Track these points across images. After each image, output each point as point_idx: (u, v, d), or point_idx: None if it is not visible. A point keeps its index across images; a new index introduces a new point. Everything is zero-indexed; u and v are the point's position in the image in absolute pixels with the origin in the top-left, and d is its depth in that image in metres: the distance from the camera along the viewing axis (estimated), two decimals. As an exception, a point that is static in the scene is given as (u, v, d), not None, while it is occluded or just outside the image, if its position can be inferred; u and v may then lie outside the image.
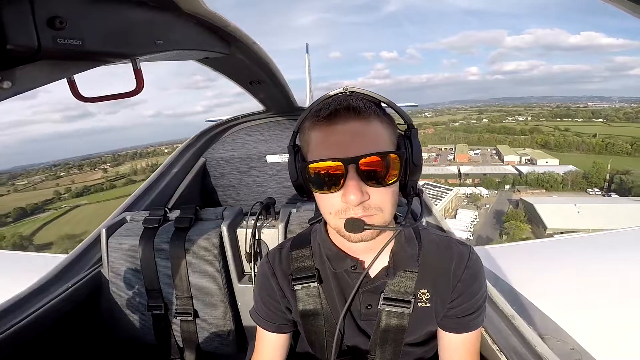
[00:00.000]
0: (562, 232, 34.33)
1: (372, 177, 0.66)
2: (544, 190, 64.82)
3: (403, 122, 0.75)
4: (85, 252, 1.48)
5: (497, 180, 67.69)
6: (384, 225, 0.70)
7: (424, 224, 1.33)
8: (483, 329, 0.89)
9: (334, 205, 0.69)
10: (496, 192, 64.00)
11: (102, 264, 1.45)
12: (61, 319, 1.24)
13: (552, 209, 41.82)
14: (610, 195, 59.60)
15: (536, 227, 42.35)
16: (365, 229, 0.67)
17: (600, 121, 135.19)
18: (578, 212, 39.64)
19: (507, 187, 66.27)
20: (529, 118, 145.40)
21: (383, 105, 0.74)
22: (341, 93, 0.72)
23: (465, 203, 57.32)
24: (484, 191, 62.95)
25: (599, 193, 63.43)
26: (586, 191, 65.45)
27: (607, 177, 68.20)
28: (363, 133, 0.66)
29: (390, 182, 0.67)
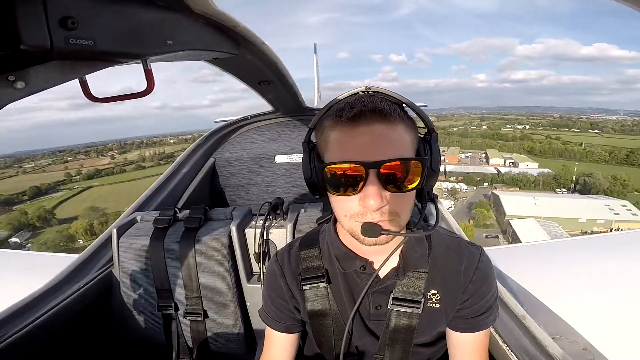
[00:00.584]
0: (519, 218, 44.41)
1: (392, 182, 0.64)
2: (518, 189, 73.13)
3: (423, 126, 0.73)
4: (96, 253, 1.49)
5: (477, 178, 76.00)
6: (401, 231, 0.69)
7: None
8: (493, 329, 0.90)
9: (351, 209, 0.68)
10: (475, 188, 72.02)
11: (112, 264, 1.45)
12: (73, 319, 1.25)
13: (514, 200, 51.66)
14: (574, 194, 68.82)
15: (499, 214, 51.84)
16: (382, 234, 0.66)
17: (596, 132, 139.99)
18: (535, 203, 50.22)
19: (486, 184, 74.43)
20: (527, 127, 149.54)
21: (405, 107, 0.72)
22: (363, 92, 0.70)
23: (445, 195, 65.68)
24: (463, 186, 70.82)
25: (566, 192, 72.20)
26: (555, 190, 74.38)
27: (574, 179, 77.14)
28: (387, 137, 0.64)
29: (410, 188, 0.66)
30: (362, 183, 0.64)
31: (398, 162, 0.63)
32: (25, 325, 1.09)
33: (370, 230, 0.66)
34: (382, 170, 0.63)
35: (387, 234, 0.66)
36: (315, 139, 0.74)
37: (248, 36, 1.22)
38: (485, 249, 0.85)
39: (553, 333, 1.02)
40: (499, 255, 1.43)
